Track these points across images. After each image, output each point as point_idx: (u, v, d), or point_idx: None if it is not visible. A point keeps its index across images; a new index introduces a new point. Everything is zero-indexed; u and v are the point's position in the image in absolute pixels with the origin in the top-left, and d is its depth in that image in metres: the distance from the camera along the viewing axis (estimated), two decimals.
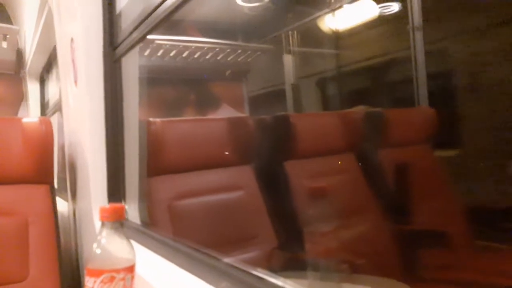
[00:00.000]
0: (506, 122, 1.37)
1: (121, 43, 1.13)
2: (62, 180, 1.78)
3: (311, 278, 0.83)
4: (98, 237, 0.60)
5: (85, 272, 0.57)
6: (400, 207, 1.51)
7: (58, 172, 1.95)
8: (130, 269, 0.59)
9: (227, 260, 0.71)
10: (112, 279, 0.56)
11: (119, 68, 1.18)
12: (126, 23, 1.10)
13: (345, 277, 0.84)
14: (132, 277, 0.59)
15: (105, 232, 0.60)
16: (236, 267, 0.66)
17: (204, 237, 1.23)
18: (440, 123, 1.59)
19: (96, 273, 0.56)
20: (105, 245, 0.60)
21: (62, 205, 1.56)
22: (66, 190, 1.51)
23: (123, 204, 1.13)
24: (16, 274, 1.02)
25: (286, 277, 0.61)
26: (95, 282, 0.56)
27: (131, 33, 1.03)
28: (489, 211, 1.42)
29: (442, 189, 1.60)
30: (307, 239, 0.91)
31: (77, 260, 1.35)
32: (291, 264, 1.22)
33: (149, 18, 0.91)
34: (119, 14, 1.16)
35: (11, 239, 1.05)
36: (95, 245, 0.59)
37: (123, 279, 0.57)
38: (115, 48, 1.17)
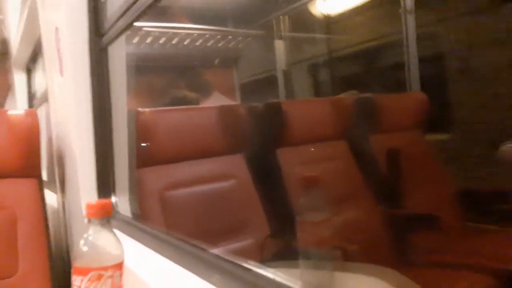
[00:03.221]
0: (496, 106, 1.37)
1: (107, 31, 1.10)
2: (51, 172, 1.75)
3: (304, 267, 0.83)
4: (85, 235, 0.58)
5: (72, 270, 0.56)
6: (393, 192, 1.52)
7: (48, 164, 1.93)
8: (119, 266, 0.58)
9: (219, 250, 0.70)
10: (99, 277, 0.55)
11: (106, 57, 1.16)
12: (111, 10, 1.07)
13: (337, 265, 0.84)
14: (121, 274, 0.58)
15: (92, 229, 0.59)
16: (227, 260, 0.65)
17: (196, 227, 1.23)
18: (431, 107, 1.59)
19: (83, 272, 0.55)
20: (92, 242, 0.58)
21: (52, 198, 1.54)
22: (55, 183, 1.49)
23: (110, 199, 1.12)
24: (5, 270, 1.00)
25: (278, 266, 0.60)
26: (82, 280, 0.55)
27: (117, 20, 1.00)
28: (480, 194, 1.43)
29: (434, 173, 1.61)
30: (300, 228, 0.90)
31: (68, 253, 1.34)
32: (283, 253, 1.22)
33: (135, 5, 0.88)
34: (104, 1, 1.13)
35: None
36: (82, 242, 0.58)
37: (111, 276, 0.56)
38: (101, 36, 1.14)
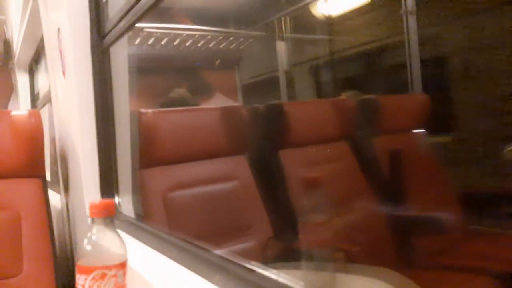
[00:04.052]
0: (500, 108, 1.37)
1: (109, 32, 1.10)
2: (55, 173, 1.76)
3: (306, 268, 0.83)
4: (89, 234, 0.59)
5: (76, 269, 0.57)
6: (395, 194, 1.52)
7: (51, 164, 1.94)
8: (122, 265, 0.58)
9: (221, 252, 0.70)
10: (103, 276, 0.55)
11: (108, 58, 1.16)
12: (113, 11, 1.07)
13: (340, 266, 0.84)
14: (124, 273, 0.58)
15: (95, 228, 0.59)
16: (229, 260, 0.65)
17: (199, 228, 1.23)
18: (434, 109, 1.59)
19: (87, 270, 0.55)
20: (96, 242, 0.59)
21: (56, 198, 1.55)
22: (59, 183, 1.50)
23: (113, 199, 1.12)
24: (10, 269, 1.01)
25: (280, 267, 0.60)
26: (86, 279, 0.55)
27: (118, 21, 1.01)
28: (484, 197, 1.43)
29: (437, 175, 1.61)
30: (302, 229, 0.90)
31: (71, 253, 1.35)
32: (285, 254, 1.22)
33: (137, 6, 0.88)
34: (106, 2, 1.13)
35: (4, 234, 1.04)
36: (85, 242, 0.58)
37: (114, 275, 0.56)
38: (103, 37, 1.14)
